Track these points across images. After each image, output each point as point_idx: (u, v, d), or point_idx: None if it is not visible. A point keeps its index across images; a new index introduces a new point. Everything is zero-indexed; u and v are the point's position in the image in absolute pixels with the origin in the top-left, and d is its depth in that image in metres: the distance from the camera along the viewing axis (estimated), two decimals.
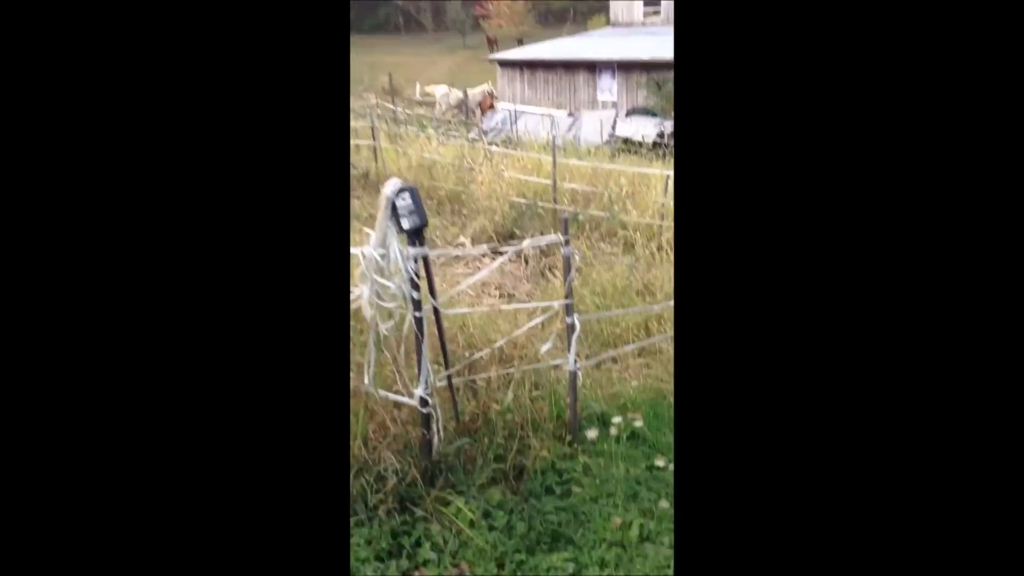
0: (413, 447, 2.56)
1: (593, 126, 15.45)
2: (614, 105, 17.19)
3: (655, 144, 13.60)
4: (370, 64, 23.04)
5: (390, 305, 2.45)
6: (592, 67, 17.60)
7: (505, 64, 19.60)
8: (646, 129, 14.91)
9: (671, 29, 18.71)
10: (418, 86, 18.86)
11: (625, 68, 16.93)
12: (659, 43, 16.55)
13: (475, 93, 18.88)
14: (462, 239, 6.40)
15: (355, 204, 6.81)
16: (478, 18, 35.81)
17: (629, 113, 16.24)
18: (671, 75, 15.58)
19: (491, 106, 17.76)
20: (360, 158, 9.37)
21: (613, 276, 5.19)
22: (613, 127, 15.25)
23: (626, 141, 14.25)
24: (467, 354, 3.19)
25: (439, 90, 19.02)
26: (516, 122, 15.83)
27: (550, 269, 5.79)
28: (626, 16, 20.24)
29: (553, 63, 18.44)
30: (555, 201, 7.50)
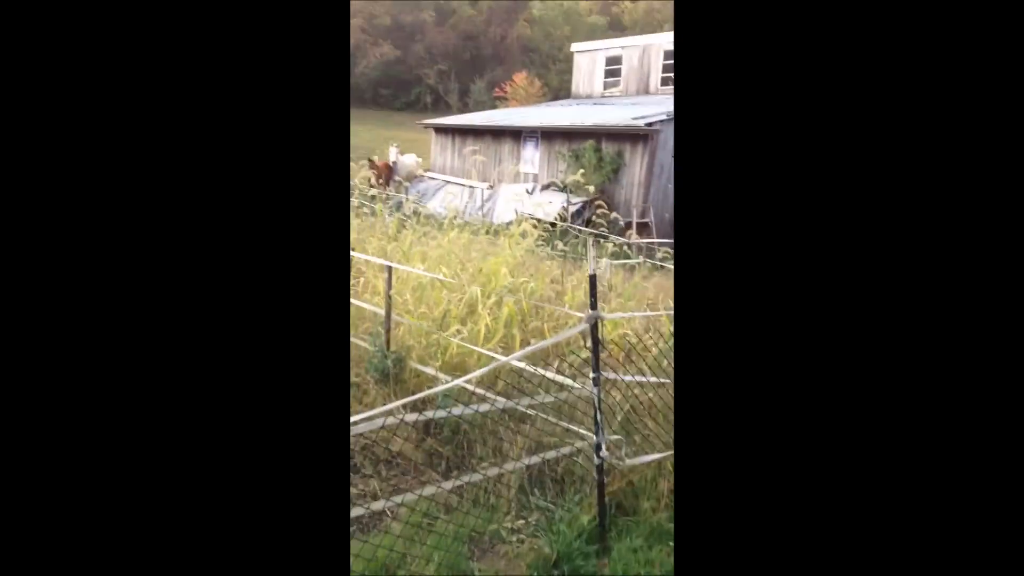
0: None
1: (509, 201, 13.89)
2: (535, 177, 15.53)
3: (551, 224, 12.20)
4: (387, 137, 23.50)
5: None
6: (518, 135, 16.10)
7: (440, 130, 18.51)
8: (550, 207, 13.16)
9: (628, 100, 16.76)
10: (392, 151, 17.41)
11: (548, 137, 15.32)
12: (608, 113, 14.96)
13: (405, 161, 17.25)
14: None
15: None
16: (496, 98, 37.18)
17: (544, 187, 14.48)
18: (591, 143, 14.18)
19: (385, 176, 15.91)
20: None
21: None
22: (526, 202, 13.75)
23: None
24: None
25: (406, 158, 17.34)
26: (434, 195, 14.57)
27: None
28: (586, 88, 19.03)
29: (482, 130, 17.11)
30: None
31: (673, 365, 3.73)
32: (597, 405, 2.91)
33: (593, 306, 2.84)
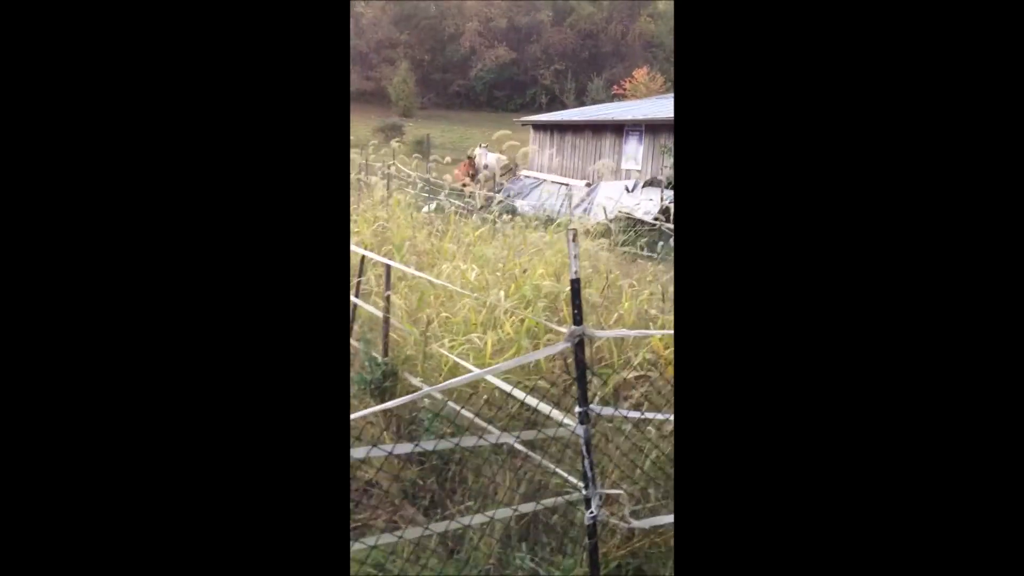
0: None
1: (608, 198, 13.04)
2: (639, 173, 14.38)
3: (644, 224, 10.80)
4: (498, 138, 23.11)
5: None
6: (620, 130, 15.06)
7: (538, 127, 17.80)
8: (648, 204, 12.05)
9: None
10: (478, 151, 16.05)
11: (653, 130, 14.19)
12: None
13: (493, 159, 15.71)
14: None
15: None
16: (616, 96, 36.30)
17: (647, 183, 13.34)
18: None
19: (471, 174, 14.73)
20: None
21: None
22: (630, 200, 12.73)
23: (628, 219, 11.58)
24: None
25: (490, 158, 15.87)
26: (529, 194, 13.81)
27: None
28: None
29: (581, 126, 16.25)
30: None
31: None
32: (585, 450, 2.23)
33: (577, 320, 2.16)
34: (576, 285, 2.14)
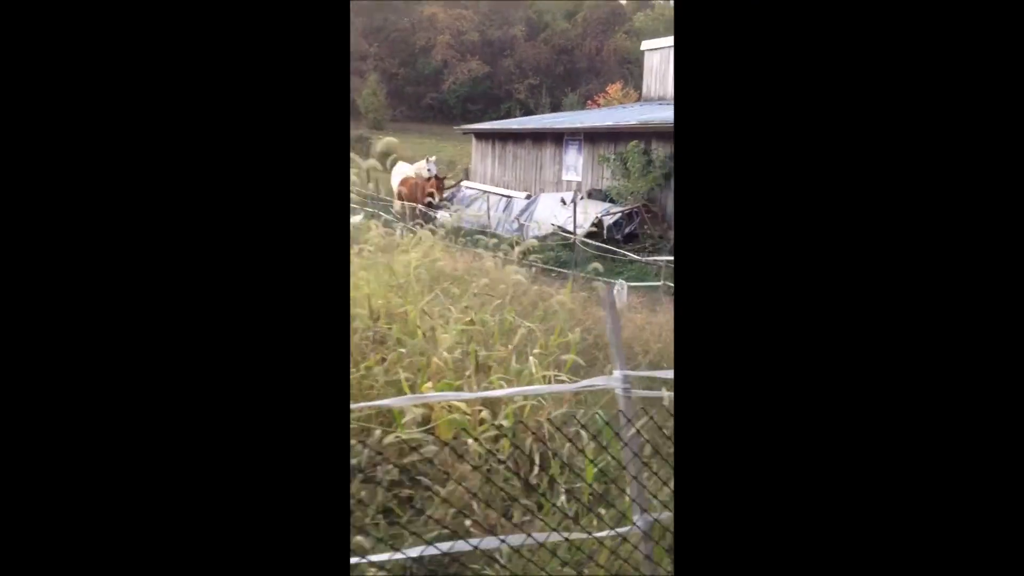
0: None
1: (549, 212, 12.35)
2: (579, 185, 13.67)
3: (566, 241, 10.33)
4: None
5: None
6: (560, 139, 14.29)
7: (480, 136, 17.03)
8: (581, 218, 11.52)
9: None
10: (421, 165, 14.35)
11: (592, 139, 13.48)
12: (669, 112, 13.27)
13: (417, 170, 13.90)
14: None
15: None
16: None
17: (588, 195, 12.74)
18: (634, 144, 12.36)
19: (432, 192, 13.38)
20: None
21: None
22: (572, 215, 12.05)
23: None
24: None
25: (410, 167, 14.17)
26: (469, 207, 13.21)
27: None
28: (659, 89, 16.74)
29: (523, 134, 15.49)
30: None
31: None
32: None
33: None
34: None
